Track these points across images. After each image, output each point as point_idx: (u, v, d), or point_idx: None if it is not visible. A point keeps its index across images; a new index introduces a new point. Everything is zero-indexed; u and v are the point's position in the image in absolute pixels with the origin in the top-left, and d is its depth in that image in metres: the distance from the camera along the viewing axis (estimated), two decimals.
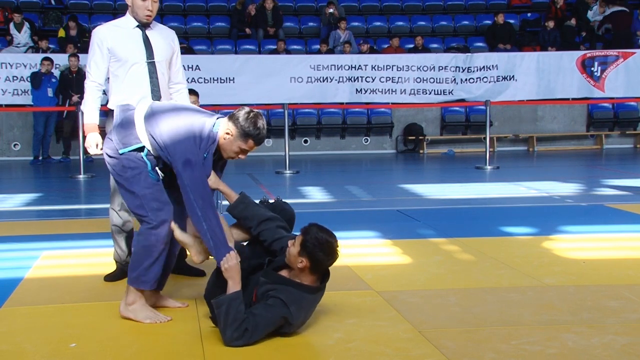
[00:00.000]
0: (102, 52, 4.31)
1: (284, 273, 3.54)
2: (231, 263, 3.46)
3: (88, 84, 4.37)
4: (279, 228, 3.73)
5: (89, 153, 4.56)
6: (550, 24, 15.17)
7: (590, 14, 15.91)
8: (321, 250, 3.41)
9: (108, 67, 4.34)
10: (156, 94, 4.36)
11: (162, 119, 3.63)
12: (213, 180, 3.69)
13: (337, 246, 3.47)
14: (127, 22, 4.37)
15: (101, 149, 4.12)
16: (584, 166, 11.95)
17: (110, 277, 4.55)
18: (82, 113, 4.42)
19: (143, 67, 4.32)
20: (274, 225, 3.72)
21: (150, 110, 3.69)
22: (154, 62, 4.34)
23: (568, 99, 14.19)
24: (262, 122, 3.64)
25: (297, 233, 3.55)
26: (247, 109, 3.67)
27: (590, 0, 16.11)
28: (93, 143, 4.38)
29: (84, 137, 4.44)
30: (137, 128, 3.64)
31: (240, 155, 3.70)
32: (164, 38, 4.44)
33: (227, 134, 3.61)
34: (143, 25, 4.36)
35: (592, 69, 14.03)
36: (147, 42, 4.34)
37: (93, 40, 4.35)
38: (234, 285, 3.43)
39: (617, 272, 4.60)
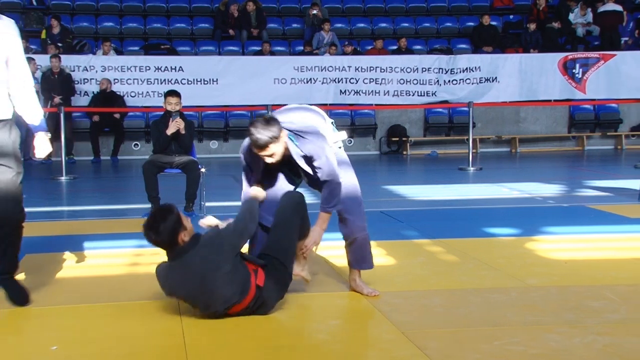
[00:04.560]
0: None
1: None
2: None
3: None
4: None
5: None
6: (532, 26, 15.27)
7: (571, 16, 16.04)
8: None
9: None
10: None
11: None
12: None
13: (149, 226, 3.67)
14: None
15: None
16: (565, 167, 12.03)
17: None
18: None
19: None
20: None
21: None
22: None
23: (550, 101, 14.28)
24: (252, 129, 3.81)
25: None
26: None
27: (571, 3, 16.23)
28: None
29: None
30: None
31: (267, 159, 3.88)
32: None
33: None
34: None
35: (574, 70, 14.14)
36: None
37: None
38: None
39: (599, 273, 4.64)
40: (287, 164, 4.02)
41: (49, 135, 4.11)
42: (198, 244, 3.65)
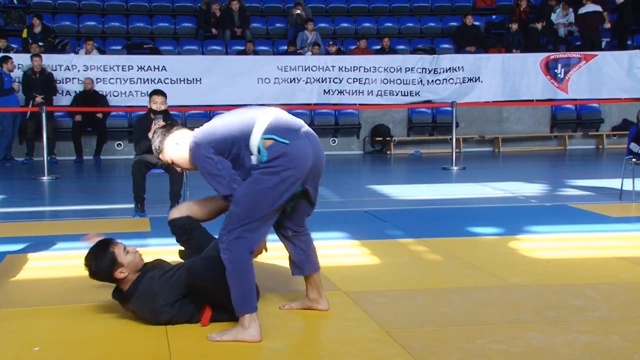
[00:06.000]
0: None
1: None
2: None
3: None
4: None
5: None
6: (514, 26, 15.36)
7: (553, 16, 16.14)
8: None
9: None
10: None
11: None
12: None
13: (86, 265, 3.72)
14: None
15: None
16: (548, 167, 12.11)
17: None
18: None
19: None
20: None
21: None
22: None
23: (532, 101, 14.37)
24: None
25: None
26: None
27: (553, 3, 16.33)
28: None
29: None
30: None
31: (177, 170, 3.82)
32: None
33: None
34: None
35: (556, 70, 14.22)
36: None
37: None
38: None
39: (580, 271, 4.68)
40: None
41: None
42: (134, 294, 3.64)
